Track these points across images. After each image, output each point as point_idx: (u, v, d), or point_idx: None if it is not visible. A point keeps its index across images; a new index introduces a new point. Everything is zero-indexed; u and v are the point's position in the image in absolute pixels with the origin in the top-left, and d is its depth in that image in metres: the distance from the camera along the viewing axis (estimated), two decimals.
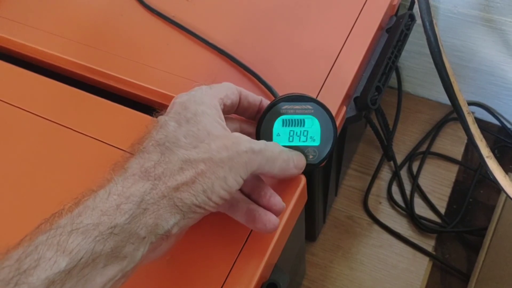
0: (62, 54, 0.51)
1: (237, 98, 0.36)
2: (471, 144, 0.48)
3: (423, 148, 0.82)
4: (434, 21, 0.45)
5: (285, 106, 0.37)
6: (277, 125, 0.37)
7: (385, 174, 0.81)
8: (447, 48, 0.49)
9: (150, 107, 0.48)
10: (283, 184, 0.39)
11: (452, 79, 0.46)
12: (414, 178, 0.79)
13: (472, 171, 0.80)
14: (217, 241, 0.37)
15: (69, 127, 0.45)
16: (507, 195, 0.48)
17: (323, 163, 0.39)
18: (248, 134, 0.37)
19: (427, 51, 0.46)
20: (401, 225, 0.76)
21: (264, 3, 0.53)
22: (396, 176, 0.80)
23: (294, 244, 0.51)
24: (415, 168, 0.80)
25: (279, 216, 0.35)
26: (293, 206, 0.38)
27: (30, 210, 0.40)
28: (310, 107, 0.37)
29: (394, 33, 0.51)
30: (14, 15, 0.55)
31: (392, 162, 0.81)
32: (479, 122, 0.84)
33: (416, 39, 0.75)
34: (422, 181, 0.79)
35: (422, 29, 0.46)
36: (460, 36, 0.72)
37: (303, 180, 0.39)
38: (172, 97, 0.46)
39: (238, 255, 0.36)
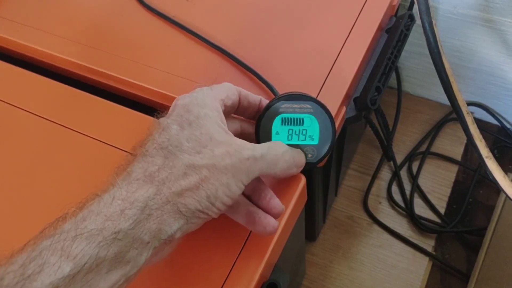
0: (62, 55, 0.51)
1: (237, 98, 0.36)
2: (470, 145, 0.48)
3: (423, 148, 0.82)
4: (434, 22, 0.45)
5: (284, 105, 0.37)
6: (276, 124, 0.37)
7: (385, 174, 0.81)
8: (446, 49, 0.50)
9: (150, 107, 0.48)
10: (283, 184, 0.39)
11: (452, 79, 0.46)
12: (414, 178, 0.79)
13: (472, 171, 0.80)
14: (217, 241, 0.37)
15: (69, 127, 0.45)
16: (507, 195, 0.48)
17: (322, 163, 0.39)
18: (249, 134, 0.37)
19: (427, 51, 0.46)
20: (401, 225, 0.76)
21: (265, 3, 0.53)
22: (396, 176, 0.80)
23: (294, 244, 0.51)
24: (415, 168, 0.80)
25: (278, 218, 0.35)
26: (293, 206, 0.38)
27: (30, 210, 0.40)
28: (309, 106, 0.37)
29: (393, 34, 0.51)
30: (14, 15, 0.55)
31: (392, 162, 0.81)
32: (479, 122, 0.84)
33: (416, 39, 0.75)
34: (422, 181, 0.79)
35: (421, 30, 0.46)
36: (459, 37, 0.72)
37: (303, 180, 0.39)
38: (173, 97, 0.46)
39: (238, 255, 0.36)
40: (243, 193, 0.35)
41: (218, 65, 0.48)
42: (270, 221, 0.34)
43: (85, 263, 0.25)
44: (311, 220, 0.66)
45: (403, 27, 0.51)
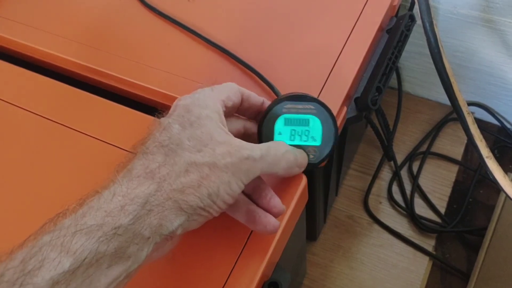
0: (63, 54, 0.51)
1: (239, 99, 0.36)
2: (470, 144, 0.48)
3: (423, 148, 0.82)
4: (434, 22, 0.45)
5: (287, 105, 0.37)
6: (279, 124, 0.37)
7: (386, 174, 0.81)
8: (447, 49, 0.50)
9: (151, 107, 0.48)
10: (284, 184, 0.39)
11: (452, 79, 0.46)
12: (414, 178, 0.79)
13: (472, 171, 0.80)
14: (219, 240, 0.37)
15: (69, 126, 0.45)
16: (507, 195, 0.48)
17: (323, 163, 0.39)
18: (252, 134, 0.37)
19: (427, 51, 0.46)
20: (401, 224, 0.76)
21: (266, 3, 0.53)
22: (396, 176, 0.80)
23: (295, 243, 0.51)
24: (415, 168, 0.80)
25: (279, 218, 0.35)
26: (294, 206, 0.38)
27: (30, 209, 0.41)
28: (312, 107, 0.37)
29: (394, 34, 0.51)
30: (15, 15, 0.55)
31: (392, 162, 0.81)
32: (479, 122, 0.84)
33: (416, 39, 0.75)
34: (422, 181, 0.79)
35: (422, 30, 0.46)
36: (460, 37, 0.72)
37: (304, 180, 0.39)
38: (173, 97, 0.46)
39: (240, 254, 0.36)
40: (244, 192, 0.35)
41: (219, 65, 0.48)
42: (270, 220, 0.34)
43: (84, 258, 0.25)
44: (312, 220, 0.66)
45: (403, 28, 0.51)
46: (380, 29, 0.51)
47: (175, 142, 0.31)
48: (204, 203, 0.30)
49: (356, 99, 0.48)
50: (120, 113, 0.46)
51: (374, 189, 0.79)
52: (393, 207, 0.78)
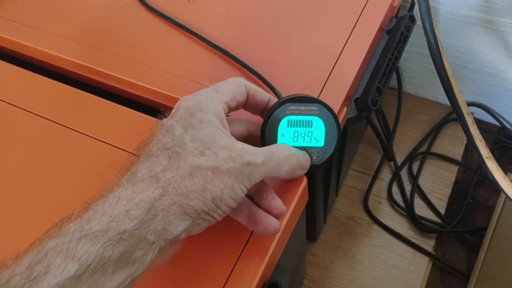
0: (63, 55, 0.51)
1: (244, 97, 0.36)
2: (470, 145, 0.48)
3: (423, 148, 0.82)
4: (434, 23, 0.45)
5: (291, 106, 0.37)
6: (282, 126, 0.37)
7: (385, 174, 0.81)
8: (447, 49, 0.50)
9: (151, 107, 0.48)
10: (284, 185, 0.39)
11: (452, 80, 0.46)
12: (414, 178, 0.79)
13: (472, 171, 0.80)
14: (219, 241, 0.37)
15: (70, 127, 0.45)
16: (507, 196, 0.48)
17: (325, 164, 0.39)
18: (255, 137, 0.37)
19: (427, 52, 0.46)
20: (401, 225, 0.76)
21: (266, 4, 0.53)
22: (396, 176, 0.80)
23: (295, 244, 0.51)
24: (415, 169, 0.80)
25: (279, 219, 0.35)
26: (294, 207, 0.39)
27: (31, 209, 0.41)
28: (315, 108, 0.37)
29: (394, 35, 0.51)
30: (15, 15, 0.55)
31: (392, 163, 0.81)
32: (479, 122, 0.85)
33: (417, 40, 0.75)
34: (422, 182, 0.79)
35: (422, 31, 0.46)
36: (460, 37, 0.72)
37: (304, 180, 0.40)
38: (174, 98, 0.46)
39: (240, 254, 0.36)
40: (246, 193, 0.35)
41: (219, 65, 0.48)
42: (271, 221, 0.34)
43: (90, 263, 0.25)
44: (312, 221, 0.66)
45: (403, 28, 0.51)
46: (380, 29, 0.51)
47: (178, 144, 0.31)
48: (208, 207, 0.30)
49: (356, 100, 0.48)
50: (120, 114, 0.46)
51: (374, 190, 0.79)
52: (393, 208, 0.78)
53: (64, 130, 0.45)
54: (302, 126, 0.37)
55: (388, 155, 0.77)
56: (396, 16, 0.55)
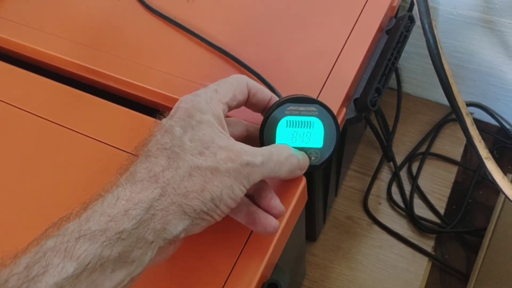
0: (63, 55, 0.51)
1: (245, 96, 0.36)
2: (470, 146, 0.48)
3: (423, 149, 0.82)
4: (434, 24, 0.45)
5: (290, 107, 0.37)
6: (281, 126, 0.37)
7: (385, 174, 0.81)
8: (446, 49, 0.50)
9: (150, 108, 0.48)
10: (284, 185, 0.39)
11: (451, 80, 0.46)
12: (413, 178, 0.79)
13: (471, 171, 0.80)
14: (218, 241, 0.37)
15: (68, 127, 0.45)
16: (506, 196, 0.48)
17: (324, 165, 0.39)
18: (255, 138, 0.37)
19: (427, 52, 0.46)
20: (400, 225, 0.76)
21: (265, 5, 0.53)
22: (395, 176, 0.80)
23: (295, 244, 0.51)
24: (414, 169, 0.80)
25: (278, 219, 0.35)
26: (293, 207, 0.39)
27: (28, 209, 0.41)
28: (314, 109, 0.37)
29: (393, 35, 0.51)
30: (15, 16, 0.55)
31: (391, 163, 0.81)
32: (478, 122, 0.85)
33: (416, 40, 0.75)
34: (422, 182, 0.79)
35: (421, 31, 0.46)
36: (459, 38, 0.72)
37: (303, 181, 0.40)
38: (173, 98, 0.46)
39: (239, 255, 0.36)
40: (246, 193, 0.35)
41: (218, 66, 0.48)
42: (270, 221, 0.34)
43: (88, 263, 0.25)
44: (311, 221, 0.66)
45: (403, 29, 0.51)
46: (380, 30, 0.51)
47: (177, 144, 0.31)
48: (208, 207, 0.30)
49: (355, 100, 0.48)
50: (118, 114, 0.46)
51: (373, 190, 0.79)
52: (393, 208, 0.78)
53: (63, 130, 0.45)
54: (301, 127, 0.37)
55: (388, 156, 0.77)
56: (395, 16, 0.55)
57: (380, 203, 0.78)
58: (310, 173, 0.39)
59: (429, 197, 0.78)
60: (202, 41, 0.50)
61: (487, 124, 0.85)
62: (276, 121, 0.37)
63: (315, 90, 0.46)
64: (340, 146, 0.60)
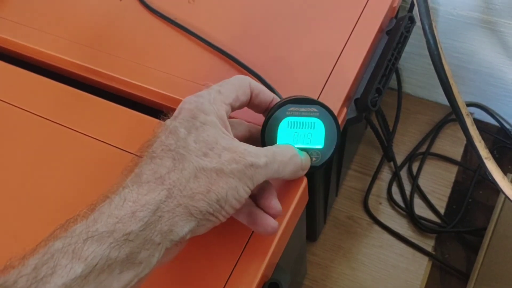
0: (64, 55, 0.51)
1: (248, 97, 0.36)
2: (470, 146, 0.48)
3: (423, 149, 0.83)
4: (434, 24, 0.46)
5: (291, 108, 0.37)
6: (282, 127, 0.37)
7: (385, 174, 0.81)
8: (446, 50, 0.50)
9: (151, 108, 0.49)
10: (284, 185, 0.39)
11: (451, 81, 0.47)
12: (414, 178, 0.80)
13: (472, 171, 0.80)
14: (219, 241, 0.37)
15: (69, 127, 0.45)
16: (506, 196, 0.48)
17: (325, 166, 0.39)
18: (257, 139, 0.37)
19: (427, 52, 0.46)
20: (401, 225, 0.76)
21: (266, 6, 0.53)
22: (396, 176, 0.80)
23: (296, 243, 0.51)
24: (415, 169, 0.81)
25: (277, 219, 0.35)
26: (294, 207, 0.39)
27: (30, 210, 0.41)
28: (315, 110, 0.37)
29: (394, 35, 0.51)
30: (15, 16, 0.55)
31: (392, 163, 0.81)
32: (478, 123, 0.85)
33: (416, 40, 0.75)
34: (422, 182, 0.79)
35: (421, 31, 0.46)
36: (459, 38, 0.72)
37: (304, 181, 0.40)
38: (174, 98, 0.46)
39: (240, 254, 0.36)
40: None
41: (219, 66, 0.49)
42: (270, 221, 0.34)
43: (96, 264, 0.26)
44: (312, 220, 0.67)
45: (403, 29, 0.51)
46: (380, 30, 0.51)
47: (182, 146, 0.31)
48: (213, 208, 0.30)
49: (356, 100, 0.48)
50: (119, 114, 0.46)
51: (374, 190, 0.80)
52: (393, 208, 0.78)
53: (64, 130, 0.45)
54: (302, 128, 0.37)
55: (388, 155, 0.78)
56: (395, 17, 0.55)
57: (380, 203, 0.79)
58: (311, 173, 0.39)
59: (429, 197, 0.78)
60: (203, 42, 0.50)
61: (487, 124, 0.85)
62: (278, 122, 0.37)
63: (316, 90, 0.46)
64: (340, 146, 0.60)
